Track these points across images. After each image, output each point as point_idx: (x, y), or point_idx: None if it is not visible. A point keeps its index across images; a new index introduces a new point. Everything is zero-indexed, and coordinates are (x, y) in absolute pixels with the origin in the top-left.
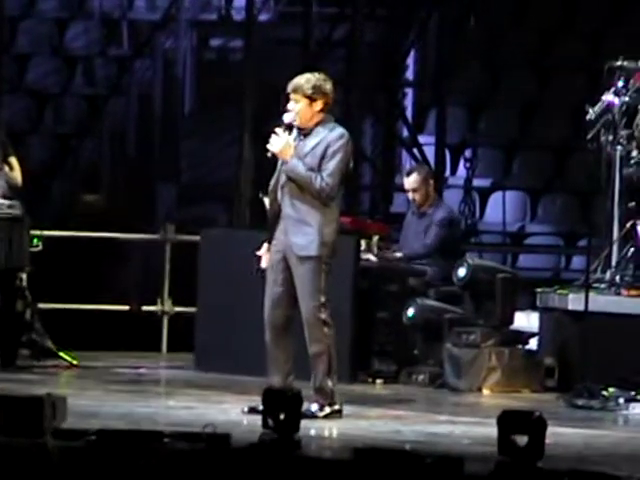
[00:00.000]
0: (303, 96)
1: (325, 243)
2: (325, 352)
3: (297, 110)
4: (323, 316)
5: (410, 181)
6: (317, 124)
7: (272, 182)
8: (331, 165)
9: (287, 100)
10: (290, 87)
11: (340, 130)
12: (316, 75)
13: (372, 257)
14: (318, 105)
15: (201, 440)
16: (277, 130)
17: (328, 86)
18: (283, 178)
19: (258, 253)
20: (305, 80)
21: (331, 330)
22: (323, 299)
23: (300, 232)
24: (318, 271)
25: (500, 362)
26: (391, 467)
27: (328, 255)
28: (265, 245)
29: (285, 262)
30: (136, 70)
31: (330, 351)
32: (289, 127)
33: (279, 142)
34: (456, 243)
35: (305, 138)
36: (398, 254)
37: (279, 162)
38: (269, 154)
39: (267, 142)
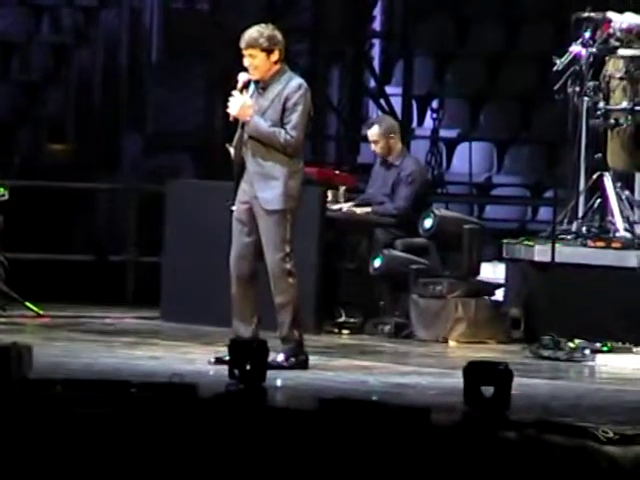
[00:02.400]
0: (260, 50)
1: (291, 195)
2: (291, 302)
3: (256, 64)
4: (288, 267)
5: (371, 133)
6: (274, 75)
7: (236, 136)
8: (293, 117)
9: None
10: (244, 43)
11: (298, 80)
12: (265, 26)
13: (344, 206)
14: (275, 55)
15: (168, 390)
16: (234, 92)
17: (280, 35)
18: (246, 134)
19: (233, 208)
20: (258, 33)
21: (296, 280)
22: (288, 249)
23: (266, 186)
24: (284, 223)
25: (466, 313)
26: (357, 417)
27: (294, 206)
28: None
29: (251, 213)
30: (103, 19)
31: (295, 301)
32: (246, 85)
33: (236, 104)
34: (424, 196)
35: (264, 92)
36: (368, 209)
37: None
38: (230, 118)
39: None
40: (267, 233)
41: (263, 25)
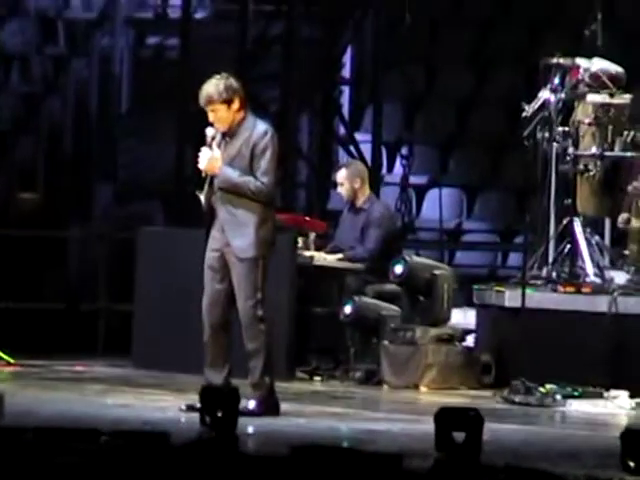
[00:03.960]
0: (220, 103)
1: (263, 243)
2: (262, 349)
3: (219, 117)
4: (260, 313)
5: (337, 175)
6: (239, 123)
7: (206, 183)
8: (263, 163)
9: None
10: (203, 100)
11: (264, 126)
12: (219, 77)
13: (315, 254)
14: (236, 104)
15: (139, 438)
16: (202, 148)
17: (236, 83)
18: (215, 183)
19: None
20: (214, 87)
21: (268, 327)
22: (260, 296)
23: (238, 234)
24: (256, 270)
25: (437, 359)
26: (329, 464)
27: (266, 253)
28: None
29: (223, 260)
30: (73, 68)
31: (267, 348)
32: (214, 138)
33: (205, 158)
34: (393, 240)
35: (231, 140)
36: (339, 255)
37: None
38: (202, 174)
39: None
40: (239, 280)
41: (217, 77)
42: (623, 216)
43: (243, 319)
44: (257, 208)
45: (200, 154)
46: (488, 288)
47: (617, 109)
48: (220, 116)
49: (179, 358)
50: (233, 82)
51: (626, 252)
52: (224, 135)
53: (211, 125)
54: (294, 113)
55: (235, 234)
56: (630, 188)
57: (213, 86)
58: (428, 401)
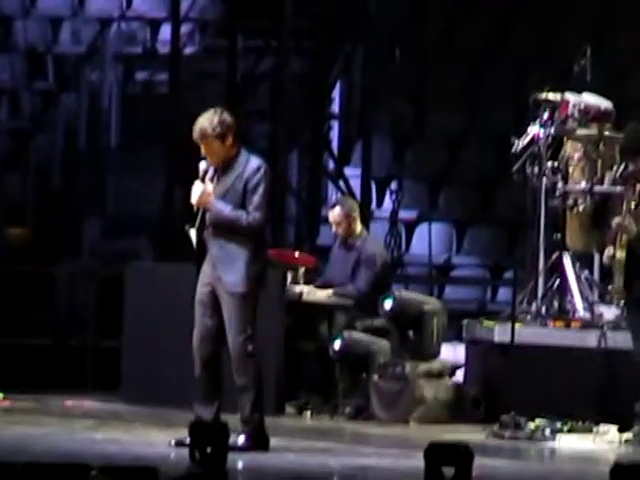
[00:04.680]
0: (213, 138)
1: (254, 278)
2: (252, 384)
3: (212, 152)
4: (250, 348)
5: (333, 214)
6: (232, 157)
7: (198, 218)
8: (255, 199)
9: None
10: (196, 134)
11: (257, 161)
12: (214, 111)
13: (304, 289)
14: (229, 139)
15: (128, 473)
16: (195, 182)
17: (229, 117)
18: (208, 217)
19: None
20: (208, 122)
21: (258, 363)
22: (250, 332)
23: (229, 269)
24: (247, 305)
25: (427, 394)
26: None
27: (257, 289)
28: None
29: (213, 295)
30: (62, 103)
31: (257, 383)
32: (206, 172)
33: (197, 192)
34: (384, 278)
35: (223, 175)
36: (329, 291)
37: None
38: (195, 208)
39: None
40: (230, 315)
41: (211, 111)
42: (609, 250)
43: (233, 354)
44: (249, 244)
45: (192, 188)
46: (477, 323)
47: (606, 144)
48: (213, 150)
49: (168, 393)
50: (227, 117)
51: (610, 287)
52: (217, 170)
53: (204, 159)
54: (283, 148)
55: (226, 269)
56: (614, 224)
57: (207, 120)
58: (418, 436)
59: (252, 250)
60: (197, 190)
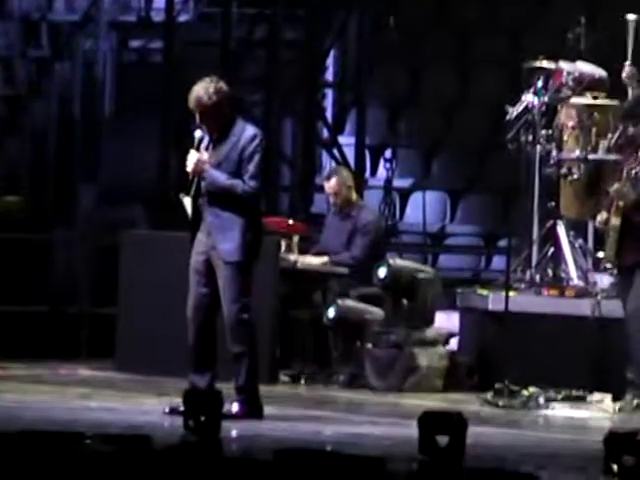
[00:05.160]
0: (209, 106)
1: (249, 247)
2: (247, 353)
3: (208, 120)
4: (245, 317)
5: (330, 184)
6: (228, 125)
7: (193, 186)
8: (251, 167)
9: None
10: (192, 103)
11: (252, 131)
12: (209, 80)
13: (299, 258)
14: (225, 108)
15: (122, 442)
16: (190, 150)
17: (225, 86)
18: (203, 185)
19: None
20: (204, 90)
21: (253, 331)
22: (245, 300)
23: (225, 238)
24: (242, 274)
25: (420, 362)
26: (312, 468)
27: (252, 258)
28: None
29: (208, 264)
30: (56, 72)
31: (252, 352)
32: (202, 141)
33: (192, 161)
34: (379, 246)
35: (219, 143)
36: (324, 258)
37: None
38: (190, 176)
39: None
40: (225, 284)
41: (207, 80)
42: (602, 215)
43: (228, 323)
44: (244, 213)
45: (187, 157)
46: (471, 291)
47: (600, 112)
48: (209, 119)
49: (163, 361)
50: (223, 85)
51: (601, 254)
52: (212, 138)
53: (199, 128)
54: (277, 116)
55: (221, 237)
56: (612, 190)
57: (203, 89)
58: (411, 404)
59: (247, 219)
60: (192, 158)
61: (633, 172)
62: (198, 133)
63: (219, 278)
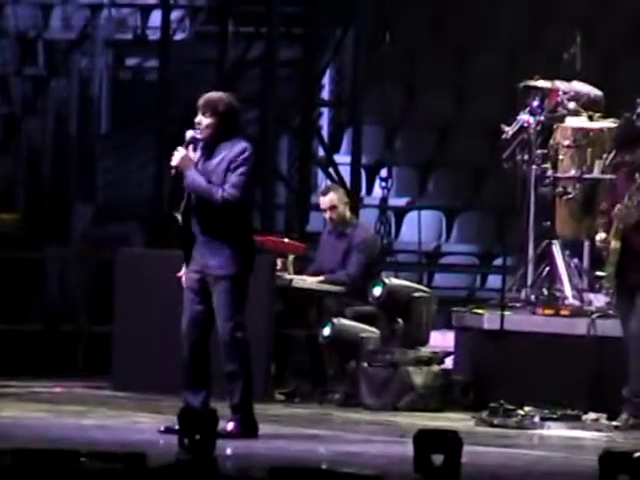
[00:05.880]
0: (214, 112)
1: (240, 261)
2: (241, 371)
3: (206, 124)
4: (239, 335)
5: (326, 200)
6: (221, 140)
7: (182, 203)
8: (233, 178)
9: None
10: (203, 101)
11: (242, 144)
12: (228, 94)
13: (294, 277)
14: (227, 123)
15: (117, 460)
16: (179, 148)
17: (237, 108)
18: (193, 198)
19: (178, 275)
20: (219, 98)
21: (247, 349)
22: (239, 318)
23: (214, 252)
24: (234, 290)
25: (416, 381)
26: None
27: (243, 273)
28: (184, 266)
29: (203, 281)
30: (52, 89)
31: (246, 370)
32: (191, 141)
33: (178, 156)
34: (374, 264)
35: (210, 156)
36: (319, 278)
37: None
38: (172, 171)
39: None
40: (218, 301)
41: (227, 93)
42: (601, 235)
43: (222, 341)
44: (233, 227)
45: (175, 153)
46: (467, 310)
47: (596, 132)
48: (208, 124)
49: (158, 380)
50: (236, 105)
51: (600, 274)
52: (204, 148)
53: (193, 130)
54: (273, 135)
55: (211, 253)
56: (614, 213)
57: (219, 96)
58: (407, 423)
59: (237, 233)
60: (179, 154)
61: (635, 197)
62: (190, 133)
63: (213, 295)
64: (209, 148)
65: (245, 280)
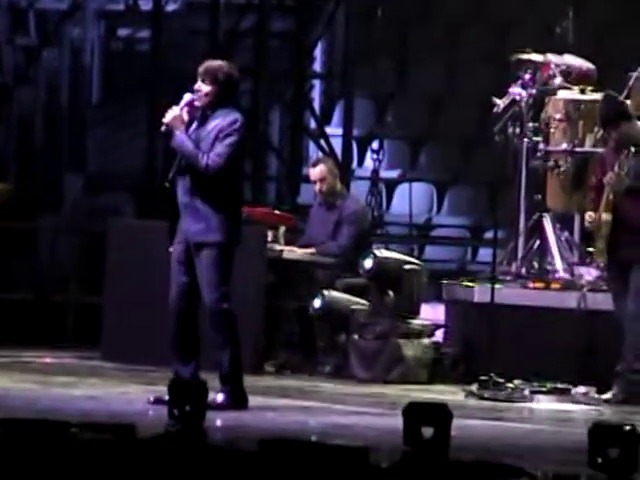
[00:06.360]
0: (213, 80)
1: (225, 231)
2: (228, 342)
3: (205, 92)
4: (225, 306)
5: (316, 172)
6: (216, 109)
7: (173, 170)
8: (219, 147)
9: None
10: (203, 69)
11: (235, 115)
12: (231, 64)
13: (285, 249)
14: (224, 92)
15: (107, 430)
16: (174, 107)
17: (236, 78)
18: (183, 164)
19: (170, 250)
20: (219, 66)
21: (234, 320)
22: (224, 289)
23: (198, 219)
24: (217, 260)
25: (406, 354)
26: (297, 458)
27: (226, 243)
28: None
29: (188, 252)
30: (44, 59)
31: (233, 342)
32: (188, 104)
33: (172, 114)
34: (365, 236)
35: (204, 123)
36: (310, 250)
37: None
38: (163, 127)
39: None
40: (202, 271)
41: (228, 63)
42: (591, 215)
43: (209, 313)
44: (220, 198)
45: (169, 111)
46: (457, 283)
47: (588, 105)
48: (206, 91)
49: (148, 350)
50: (236, 75)
51: (591, 249)
52: (198, 116)
53: (192, 92)
54: (265, 106)
55: (192, 219)
56: (606, 179)
57: (220, 64)
58: (396, 396)
59: (220, 202)
60: (173, 112)
61: (625, 165)
62: (188, 96)
63: (197, 266)
64: (204, 116)
65: (230, 251)
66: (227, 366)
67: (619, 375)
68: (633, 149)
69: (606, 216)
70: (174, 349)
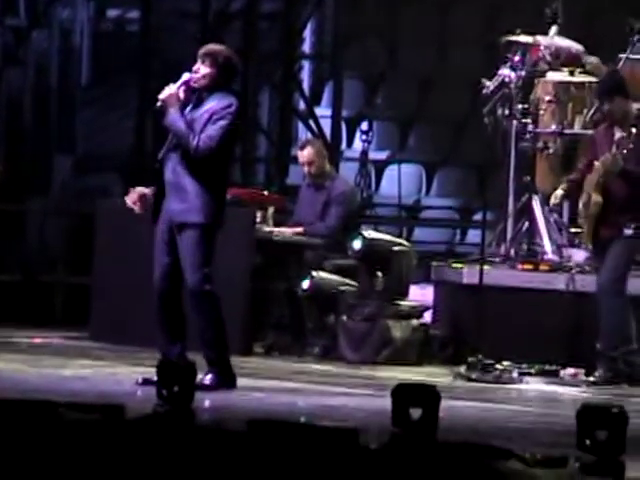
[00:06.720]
0: (213, 63)
1: (204, 210)
2: (211, 323)
3: (203, 74)
4: (207, 287)
5: (304, 154)
6: (212, 92)
7: (163, 149)
8: (211, 128)
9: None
10: (204, 49)
11: (230, 99)
12: (229, 49)
13: (274, 229)
14: (222, 76)
15: (95, 411)
16: (170, 84)
17: (238, 65)
18: (173, 143)
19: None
20: (219, 49)
21: (217, 301)
22: (206, 270)
23: (177, 198)
24: (199, 240)
25: (395, 335)
26: (285, 439)
27: (208, 224)
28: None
29: (171, 232)
30: (33, 40)
31: (217, 323)
32: (185, 84)
33: (168, 91)
34: (354, 217)
35: (199, 105)
36: (297, 229)
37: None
38: (158, 103)
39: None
40: (183, 251)
41: (229, 48)
42: (556, 194)
43: (191, 293)
44: (203, 176)
45: (166, 88)
46: (446, 265)
47: (577, 87)
48: (204, 73)
49: (136, 331)
50: (235, 60)
51: (576, 230)
52: (195, 100)
53: (190, 73)
54: (254, 87)
55: (174, 198)
56: (602, 159)
57: (221, 48)
58: (385, 377)
59: (205, 182)
60: (169, 90)
61: (622, 146)
62: (186, 75)
63: (178, 247)
64: (199, 98)
65: (212, 232)
66: (212, 347)
67: (600, 354)
68: (634, 130)
69: (596, 197)
70: (160, 330)
